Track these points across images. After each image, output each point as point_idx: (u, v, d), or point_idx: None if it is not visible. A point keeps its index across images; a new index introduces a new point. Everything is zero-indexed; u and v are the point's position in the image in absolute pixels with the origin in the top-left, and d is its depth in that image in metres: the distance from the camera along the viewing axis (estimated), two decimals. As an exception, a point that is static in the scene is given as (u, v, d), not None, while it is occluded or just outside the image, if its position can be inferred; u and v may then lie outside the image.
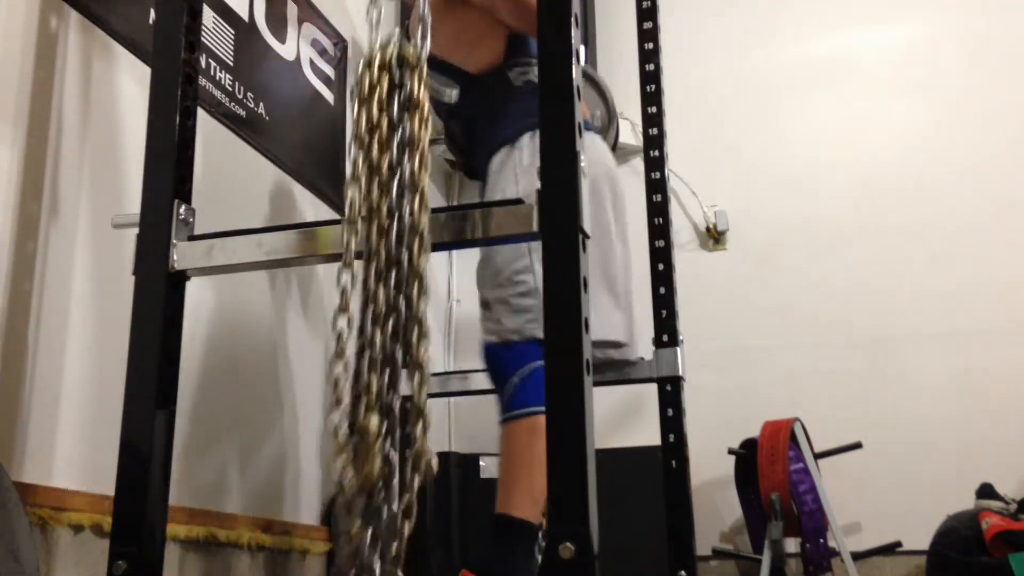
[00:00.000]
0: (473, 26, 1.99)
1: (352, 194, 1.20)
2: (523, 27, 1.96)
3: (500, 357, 1.76)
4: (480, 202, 1.31)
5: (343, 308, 1.18)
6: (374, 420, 1.11)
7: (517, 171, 1.84)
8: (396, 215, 1.19)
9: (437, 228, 1.28)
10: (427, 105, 1.23)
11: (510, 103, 1.93)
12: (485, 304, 1.84)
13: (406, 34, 2.16)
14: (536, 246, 1.74)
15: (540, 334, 1.69)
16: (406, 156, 1.21)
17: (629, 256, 2.06)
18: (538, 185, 1.21)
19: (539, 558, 1.91)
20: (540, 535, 1.91)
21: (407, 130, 1.21)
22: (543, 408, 1.63)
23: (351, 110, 1.25)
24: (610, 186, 1.99)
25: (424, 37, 1.27)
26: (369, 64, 1.25)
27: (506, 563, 1.63)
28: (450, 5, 1.98)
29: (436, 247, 1.33)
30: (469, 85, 1.96)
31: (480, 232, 1.26)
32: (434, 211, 1.31)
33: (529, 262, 1.80)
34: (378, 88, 1.23)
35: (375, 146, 1.21)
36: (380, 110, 1.22)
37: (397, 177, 1.20)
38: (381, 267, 1.17)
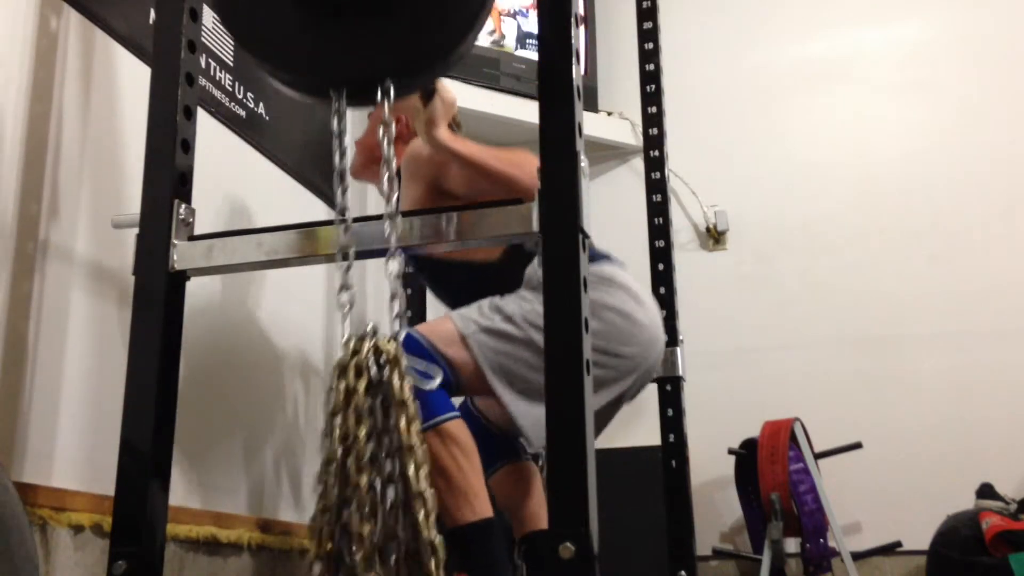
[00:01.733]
0: None
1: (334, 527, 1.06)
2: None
3: None
4: (480, 202, 1.30)
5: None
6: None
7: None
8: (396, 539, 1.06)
9: (437, 228, 1.28)
10: (414, 407, 1.10)
11: (510, 297, 1.81)
12: None
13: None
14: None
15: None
16: (398, 467, 1.06)
17: None
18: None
19: (517, 560, 1.93)
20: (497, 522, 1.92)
21: (394, 436, 1.08)
22: (444, 415, 1.64)
23: (324, 419, 1.11)
24: None
25: (401, 326, 1.15)
26: (343, 369, 1.11)
27: (491, 563, 1.64)
28: (440, 202, 1.89)
29: (435, 247, 1.33)
30: (482, 274, 1.88)
31: (480, 232, 1.27)
32: (434, 211, 1.31)
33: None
34: (355, 396, 1.08)
35: (353, 464, 1.06)
36: (359, 421, 1.08)
37: (392, 496, 1.07)
38: None
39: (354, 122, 2.47)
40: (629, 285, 1.82)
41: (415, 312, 2.58)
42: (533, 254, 1.82)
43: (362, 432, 1.07)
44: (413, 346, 1.69)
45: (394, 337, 1.14)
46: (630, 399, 1.88)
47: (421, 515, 1.05)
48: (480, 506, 1.65)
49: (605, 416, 1.85)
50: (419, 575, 1.04)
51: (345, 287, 1.19)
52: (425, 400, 1.64)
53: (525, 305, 1.74)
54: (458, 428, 1.66)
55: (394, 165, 1.24)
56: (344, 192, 1.25)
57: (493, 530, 1.66)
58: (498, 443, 1.95)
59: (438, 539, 1.05)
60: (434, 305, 2.80)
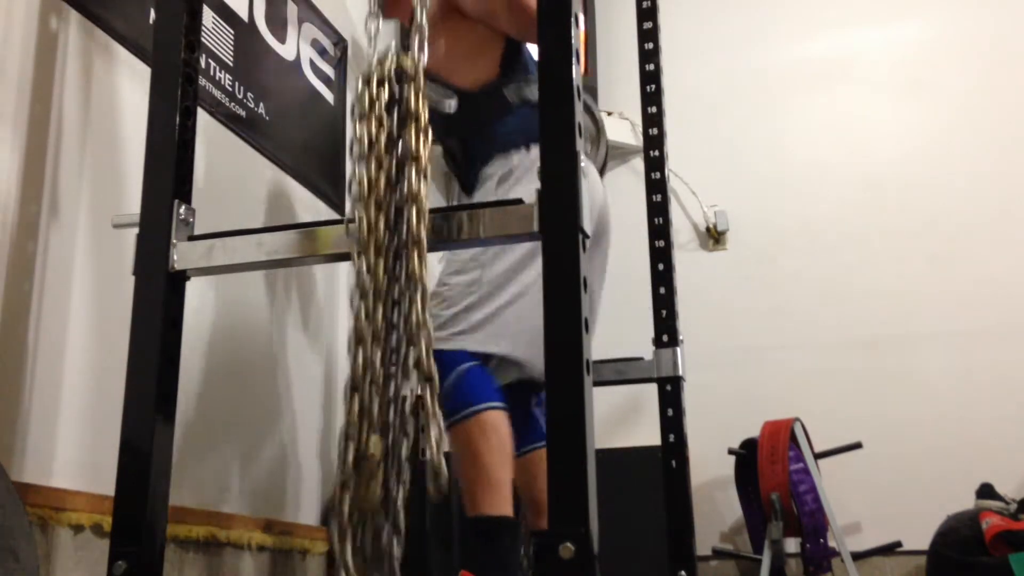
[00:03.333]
0: (468, 39, 1.96)
1: (359, 212, 1.21)
2: (525, 35, 1.93)
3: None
4: (480, 202, 1.30)
5: (359, 339, 1.17)
6: (376, 442, 1.12)
7: (508, 189, 1.82)
8: (395, 228, 1.21)
9: (437, 228, 1.28)
10: (425, 117, 1.24)
11: (506, 118, 1.90)
12: (435, 295, 1.84)
13: (405, 47, 2.15)
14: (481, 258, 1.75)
15: (453, 345, 1.69)
16: (405, 170, 1.22)
17: (604, 270, 2.05)
18: (537, 185, 1.21)
19: (522, 550, 1.93)
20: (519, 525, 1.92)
21: (405, 143, 1.22)
22: (485, 404, 1.64)
23: (351, 125, 1.25)
24: (601, 225, 1.95)
25: (421, 48, 1.27)
26: (368, 80, 1.26)
27: (494, 562, 1.64)
28: (446, 18, 1.95)
29: (435, 247, 1.33)
30: (463, 102, 1.92)
31: (480, 232, 1.26)
32: (433, 211, 1.31)
33: (449, 271, 1.80)
34: (377, 103, 1.25)
35: (374, 162, 1.22)
36: (379, 125, 1.24)
37: (397, 191, 1.21)
38: (380, 286, 1.18)
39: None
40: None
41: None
42: (513, 82, 1.91)
43: (383, 136, 1.23)
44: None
45: (415, 58, 1.26)
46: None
47: (414, 213, 1.20)
48: (501, 503, 1.66)
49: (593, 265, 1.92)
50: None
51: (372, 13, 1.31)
52: (469, 386, 1.67)
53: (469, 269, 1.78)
54: (498, 419, 1.67)
55: None
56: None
57: (507, 530, 1.66)
58: (527, 424, 1.93)
59: (424, 235, 1.19)
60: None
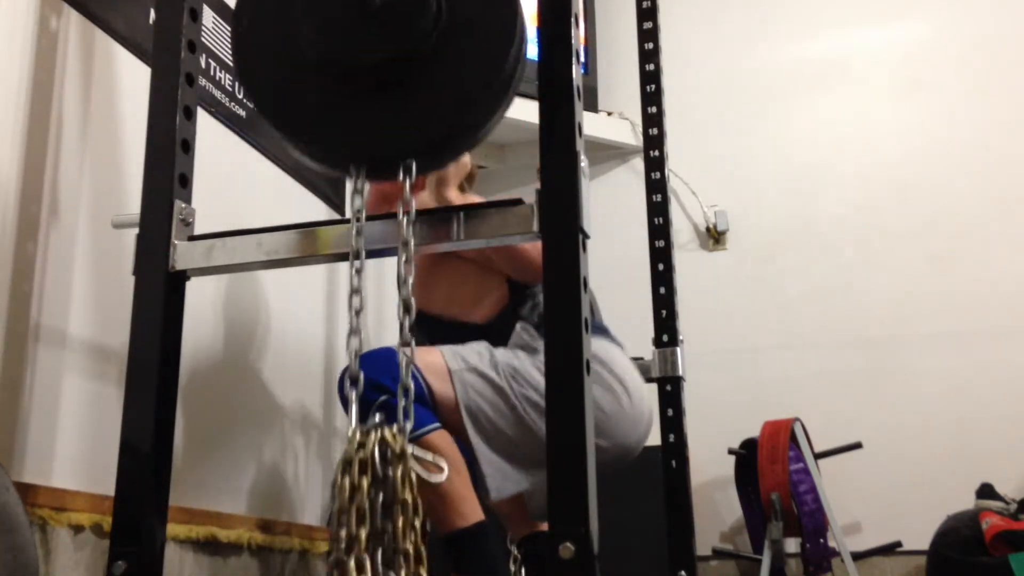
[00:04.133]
0: (470, 279, 1.92)
1: None
2: (525, 279, 1.88)
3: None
4: (480, 202, 1.30)
5: None
6: None
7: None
8: None
9: (437, 228, 1.28)
10: (415, 505, 1.12)
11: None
12: None
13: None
14: None
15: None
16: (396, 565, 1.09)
17: None
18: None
19: (510, 547, 1.93)
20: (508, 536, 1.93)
21: (391, 537, 1.10)
22: (427, 427, 1.63)
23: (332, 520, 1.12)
24: None
25: (407, 416, 1.15)
26: (348, 463, 1.11)
27: (486, 563, 1.64)
28: (442, 260, 1.92)
29: (436, 247, 1.33)
30: (476, 334, 1.87)
31: (480, 232, 1.26)
32: (433, 211, 1.31)
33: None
34: (359, 492, 1.10)
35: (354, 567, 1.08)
36: (360, 520, 1.09)
37: None
38: None
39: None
40: (615, 369, 1.83)
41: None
42: (521, 318, 1.86)
43: (363, 534, 1.09)
44: (391, 361, 1.68)
45: (401, 430, 1.13)
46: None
47: None
48: (469, 511, 1.66)
49: None
50: None
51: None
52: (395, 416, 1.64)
53: (514, 361, 1.77)
54: (440, 438, 1.67)
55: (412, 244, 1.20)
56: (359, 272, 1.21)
57: (485, 533, 1.66)
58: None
59: None
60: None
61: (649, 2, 2.41)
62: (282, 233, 1.35)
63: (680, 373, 2.14)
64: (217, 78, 2.14)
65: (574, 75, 1.24)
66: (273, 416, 2.29)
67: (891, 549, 2.86)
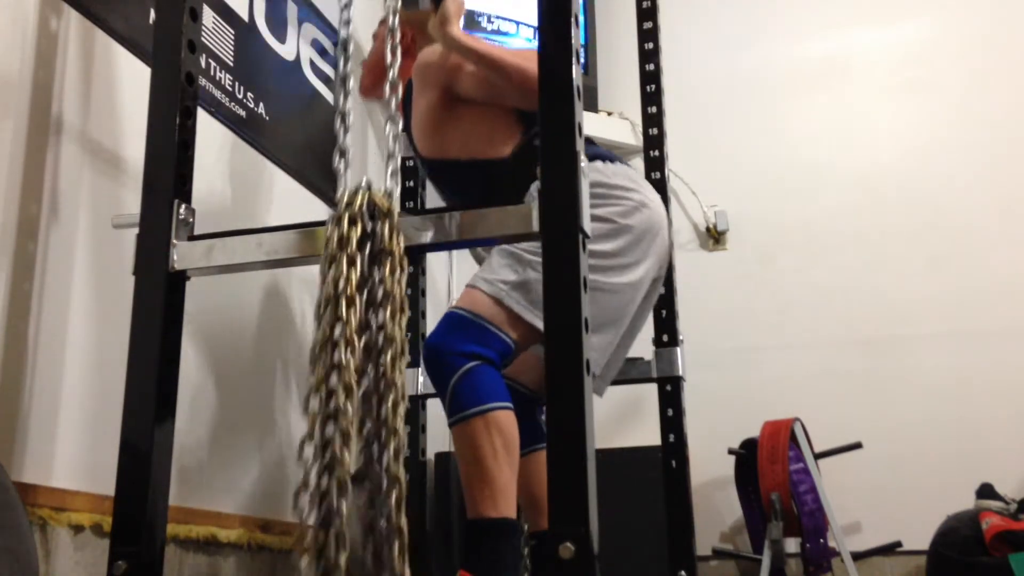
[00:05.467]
0: (482, 122, 1.92)
1: (325, 361, 1.15)
2: (534, 105, 1.91)
3: (431, 365, 1.71)
4: (480, 203, 1.30)
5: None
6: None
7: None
8: (370, 378, 1.15)
9: (437, 228, 1.28)
10: (401, 255, 1.19)
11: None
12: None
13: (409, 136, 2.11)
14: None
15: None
16: (380, 312, 1.17)
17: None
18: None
19: (525, 552, 1.91)
20: (520, 529, 1.91)
21: (379, 284, 1.18)
22: (491, 404, 1.62)
23: (321, 268, 1.19)
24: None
25: (392, 192, 1.23)
26: (338, 219, 1.21)
27: (496, 565, 1.61)
28: (450, 107, 1.93)
29: (435, 247, 1.33)
30: (503, 169, 1.87)
31: (480, 232, 1.27)
32: (433, 211, 1.31)
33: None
34: (348, 244, 1.19)
35: (343, 305, 1.16)
36: (350, 266, 1.18)
37: (372, 335, 1.16)
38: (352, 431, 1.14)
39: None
40: (629, 180, 1.84)
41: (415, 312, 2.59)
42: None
43: (353, 277, 1.18)
44: (464, 321, 1.68)
45: (388, 193, 1.23)
46: (659, 275, 1.91)
47: (388, 356, 1.16)
48: (504, 505, 1.62)
49: (647, 304, 1.91)
50: (384, 416, 1.14)
51: (342, 152, 1.31)
52: (479, 383, 1.63)
53: (526, 247, 1.74)
54: (507, 419, 1.63)
55: (398, 36, 1.28)
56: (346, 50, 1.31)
57: (509, 533, 1.62)
58: (530, 428, 1.89)
59: (400, 380, 1.16)
60: (433, 310, 2.81)
61: (649, 2, 2.41)
62: (282, 233, 1.35)
63: (680, 373, 2.15)
64: (217, 78, 2.14)
65: (574, 75, 1.24)
66: (273, 416, 2.29)
67: (891, 549, 2.86)
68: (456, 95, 1.93)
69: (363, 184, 1.25)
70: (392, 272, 1.18)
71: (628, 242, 1.78)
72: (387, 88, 1.27)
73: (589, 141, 1.88)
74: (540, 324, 1.66)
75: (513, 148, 1.89)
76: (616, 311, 1.78)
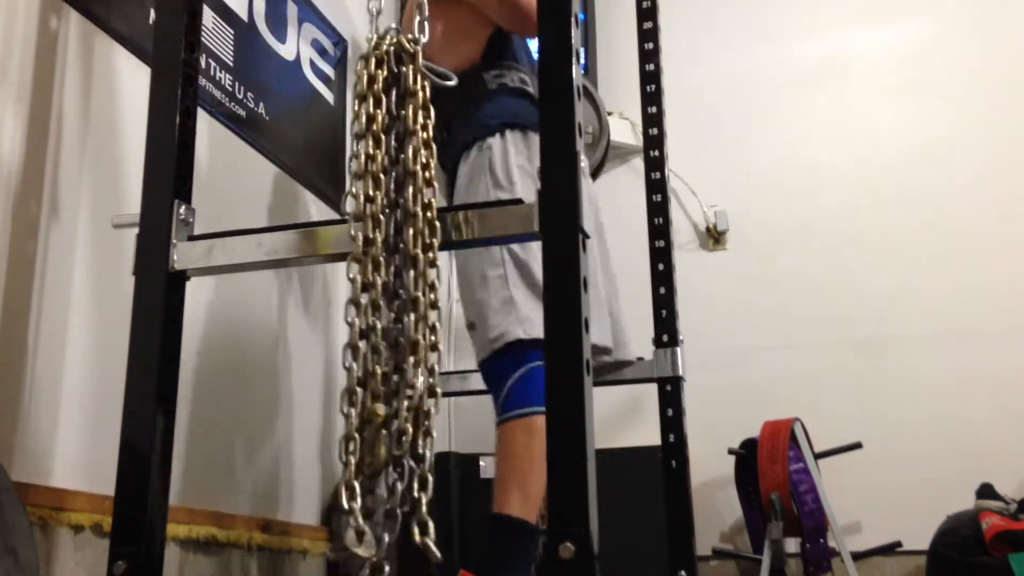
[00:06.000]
0: (457, 25, 1.95)
1: (358, 189, 1.23)
2: (514, 27, 1.94)
3: (493, 365, 1.73)
4: (480, 202, 1.30)
5: (354, 300, 1.19)
6: (380, 407, 1.13)
7: (488, 177, 1.81)
8: (399, 206, 1.22)
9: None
10: (425, 94, 1.26)
11: (483, 103, 1.90)
12: (471, 325, 1.82)
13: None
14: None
15: (525, 334, 1.68)
16: (406, 146, 1.24)
17: (608, 258, 2.04)
18: (537, 186, 1.21)
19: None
20: (540, 536, 1.91)
21: (405, 121, 1.25)
22: (541, 408, 1.61)
23: (351, 105, 1.27)
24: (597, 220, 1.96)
25: (421, 29, 1.29)
26: (366, 58, 1.28)
27: (505, 563, 1.62)
28: (438, 2, 1.93)
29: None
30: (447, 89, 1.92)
31: (480, 232, 1.27)
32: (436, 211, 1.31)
33: (502, 259, 1.77)
34: (376, 82, 1.27)
35: (371, 140, 1.24)
36: (377, 103, 1.26)
37: (399, 167, 1.23)
38: (380, 257, 1.21)
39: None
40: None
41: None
42: (495, 68, 1.92)
43: (380, 114, 1.25)
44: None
45: (414, 39, 1.30)
46: None
47: (411, 190, 1.23)
48: (528, 509, 1.64)
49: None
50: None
51: None
52: (533, 385, 1.64)
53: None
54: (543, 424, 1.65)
55: None
56: None
57: (525, 535, 1.64)
58: None
59: (420, 211, 1.21)
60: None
61: (649, 2, 2.40)
62: (282, 233, 1.35)
63: (680, 373, 2.14)
64: (217, 78, 2.14)
65: (574, 75, 1.24)
66: (273, 416, 2.29)
67: (891, 549, 2.86)
68: None
69: (392, 28, 1.32)
70: (416, 110, 1.26)
71: None
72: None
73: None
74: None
75: (463, 67, 1.90)
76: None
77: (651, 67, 2.37)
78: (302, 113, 2.55)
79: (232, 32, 2.23)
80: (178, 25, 1.43)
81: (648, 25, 2.39)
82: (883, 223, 3.23)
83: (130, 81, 1.83)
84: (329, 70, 2.70)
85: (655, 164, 2.33)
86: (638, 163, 2.47)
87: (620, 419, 3.11)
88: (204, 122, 1.98)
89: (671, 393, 2.13)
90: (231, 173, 2.19)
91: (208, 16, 2.12)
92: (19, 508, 1.33)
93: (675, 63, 2.68)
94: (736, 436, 2.91)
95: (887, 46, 3.41)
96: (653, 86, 2.37)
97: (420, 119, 1.26)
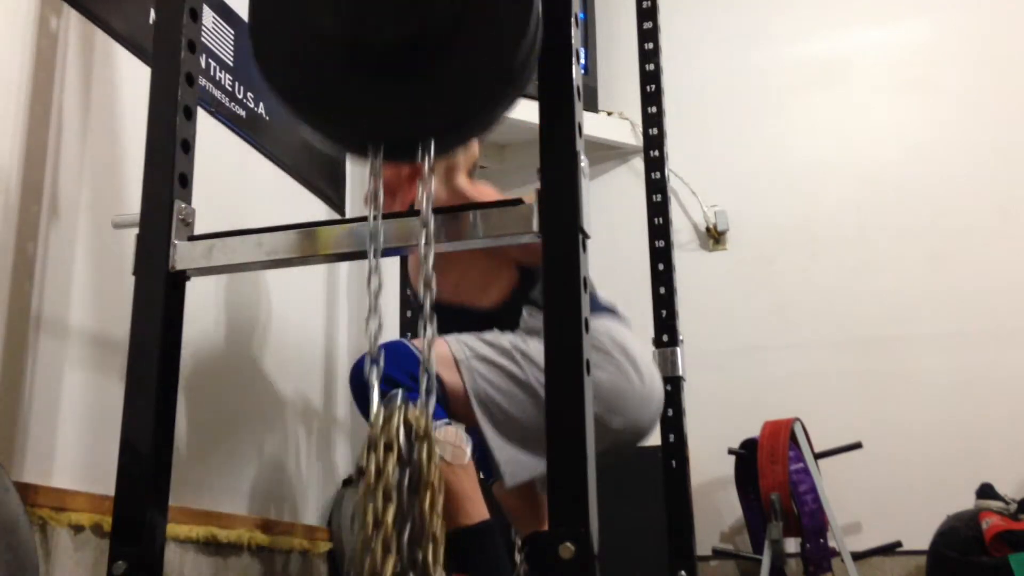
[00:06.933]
0: (477, 264, 1.89)
1: None
2: (533, 261, 1.82)
3: (360, 389, 1.71)
4: (480, 203, 1.30)
5: None
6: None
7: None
8: None
9: (437, 228, 1.28)
10: (439, 485, 1.10)
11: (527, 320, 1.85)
12: None
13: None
14: None
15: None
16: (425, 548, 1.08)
17: None
18: None
19: (516, 542, 1.92)
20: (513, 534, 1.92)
21: (417, 518, 1.08)
22: (439, 421, 1.60)
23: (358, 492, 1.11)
24: None
25: (429, 395, 1.13)
26: (373, 446, 1.09)
27: (489, 567, 1.64)
28: (465, 258, 1.88)
29: (436, 247, 1.33)
30: (485, 321, 1.86)
31: (480, 232, 1.26)
32: (434, 211, 1.31)
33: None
34: (385, 475, 1.08)
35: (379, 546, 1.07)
36: (387, 499, 1.08)
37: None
38: None
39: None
40: (626, 347, 1.81)
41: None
42: (528, 301, 1.85)
43: (390, 515, 1.07)
44: (406, 353, 1.69)
45: (424, 413, 1.11)
46: (609, 459, 1.88)
47: None
48: (474, 510, 1.65)
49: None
50: None
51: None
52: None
53: (521, 344, 1.77)
54: (447, 435, 1.64)
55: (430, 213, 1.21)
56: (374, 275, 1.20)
57: (490, 532, 1.66)
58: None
59: None
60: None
61: (649, 2, 2.41)
62: (282, 233, 1.35)
63: (680, 373, 2.14)
64: (217, 78, 2.14)
65: (574, 75, 1.24)
66: (273, 416, 2.29)
67: (891, 549, 2.86)
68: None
69: (399, 402, 1.13)
70: (432, 507, 1.09)
71: (599, 409, 1.73)
72: (420, 287, 1.21)
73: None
74: (481, 420, 1.69)
75: (502, 298, 1.88)
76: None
77: (651, 67, 2.37)
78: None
79: (232, 32, 2.23)
80: (178, 25, 1.43)
81: (648, 25, 2.39)
82: (883, 223, 3.24)
83: (130, 81, 1.83)
84: (329, 70, 2.70)
85: (655, 164, 2.33)
86: (638, 163, 2.48)
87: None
88: (204, 122, 1.98)
89: (671, 393, 2.13)
90: (231, 173, 2.19)
91: (208, 16, 2.12)
92: (19, 508, 1.33)
93: (675, 63, 2.68)
94: (736, 436, 2.91)
95: (887, 46, 3.41)
96: (653, 86, 2.37)
97: (437, 523, 1.09)
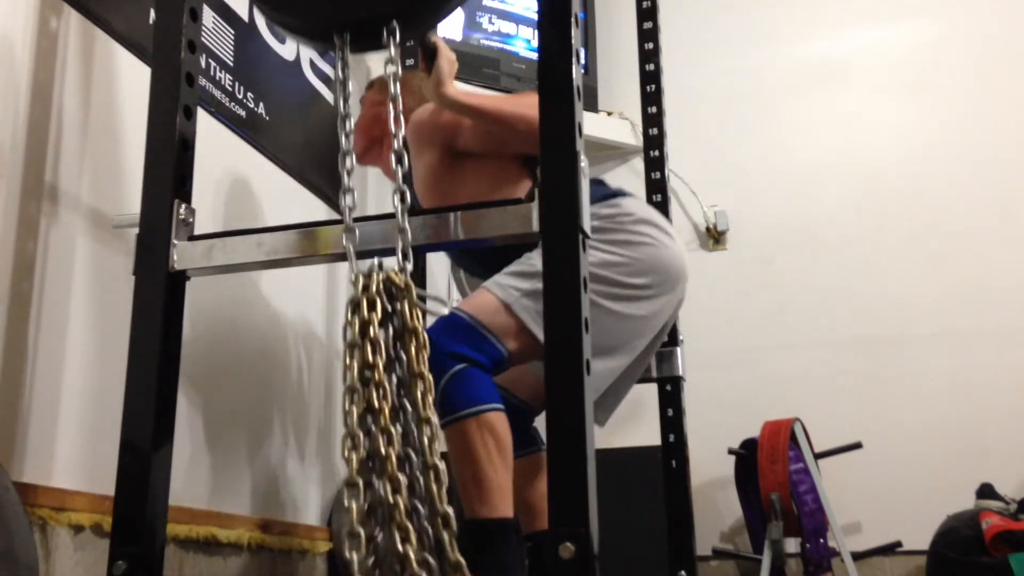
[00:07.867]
0: (487, 171, 1.88)
1: (357, 442, 1.13)
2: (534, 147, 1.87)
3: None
4: (480, 202, 1.30)
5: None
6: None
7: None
8: (408, 458, 1.14)
9: (438, 228, 1.28)
10: (422, 332, 1.17)
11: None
12: None
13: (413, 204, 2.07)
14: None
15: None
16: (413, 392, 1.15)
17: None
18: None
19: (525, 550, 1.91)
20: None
21: (405, 363, 1.15)
22: (487, 405, 1.60)
23: (343, 357, 1.17)
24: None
25: (406, 258, 1.21)
26: (356, 303, 1.17)
27: (500, 566, 1.61)
28: (450, 164, 1.89)
29: (435, 247, 1.33)
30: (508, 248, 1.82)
31: (481, 232, 1.27)
32: (433, 211, 1.31)
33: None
34: (370, 328, 1.15)
35: (373, 391, 1.14)
36: (375, 351, 1.14)
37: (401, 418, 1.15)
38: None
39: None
40: (651, 217, 1.86)
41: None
42: None
43: (380, 362, 1.14)
44: (460, 324, 1.66)
45: (402, 269, 1.20)
46: (668, 321, 1.93)
47: (426, 439, 1.14)
48: (501, 505, 1.61)
49: (654, 344, 1.92)
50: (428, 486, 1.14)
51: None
52: (471, 385, 1.62)
53: None
54: (499, 420, 1.62)
55: (400, 104, 1.28)
56: (348, 136, 1.28)
57: (508, 532, 1.62)
58: (521, 432, 1.88)
59: (441, 464, 1.14)
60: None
61: (649, 2, 2.41)
62: (282, 233, 1.35)
63: (680, 373, 2.14)
64: (217, 78, 2.14)
65: (574, 75, 1.24)
66: (273, 416, 2.29)
67: (891, 549, 2.86)
68: (456, 150, 1.90)
69: (376, 264, 1.22)
70: (418, 352, 1.16)
71: (652, 279, 1.81)
72: (393, 159, 1.24)
73: (599, 182, 1.87)
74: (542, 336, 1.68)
75: (526, 194, 1.87)
76: (628, 339, 1.79)
77: (651, 67, 2.37)
78: (302, 113, 2.55)
79: (232, 32, 2.23)
80: (178, 25, 1.43)
81: (648, 25, 2.39)
82: (883, 223, 3.23)
83: (130, 81, 1.83)
84: (329, 70, 2.70)
85: (655, 164, 2.33)
86: (638, 163, 2.48)
87: (620, 419, 3.10)
88: (204, 122, 1.98)
89: (671, 393, 2.13)
90: (231, 173, 2.19)
91: (208, 16, 2.12)
92: (19, 508, 1.33)
93: (675, 63, 2.68)
94: (736, 436, 2.91)
95: (887, 46, 3.41)
96: (653, 86, 2.37)
97: (423, 363, 1.15)
